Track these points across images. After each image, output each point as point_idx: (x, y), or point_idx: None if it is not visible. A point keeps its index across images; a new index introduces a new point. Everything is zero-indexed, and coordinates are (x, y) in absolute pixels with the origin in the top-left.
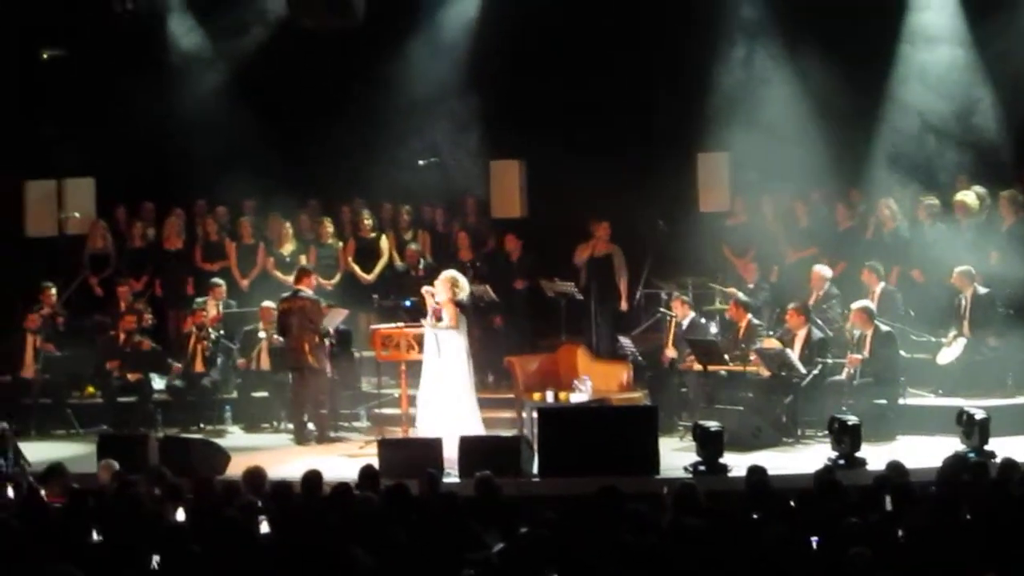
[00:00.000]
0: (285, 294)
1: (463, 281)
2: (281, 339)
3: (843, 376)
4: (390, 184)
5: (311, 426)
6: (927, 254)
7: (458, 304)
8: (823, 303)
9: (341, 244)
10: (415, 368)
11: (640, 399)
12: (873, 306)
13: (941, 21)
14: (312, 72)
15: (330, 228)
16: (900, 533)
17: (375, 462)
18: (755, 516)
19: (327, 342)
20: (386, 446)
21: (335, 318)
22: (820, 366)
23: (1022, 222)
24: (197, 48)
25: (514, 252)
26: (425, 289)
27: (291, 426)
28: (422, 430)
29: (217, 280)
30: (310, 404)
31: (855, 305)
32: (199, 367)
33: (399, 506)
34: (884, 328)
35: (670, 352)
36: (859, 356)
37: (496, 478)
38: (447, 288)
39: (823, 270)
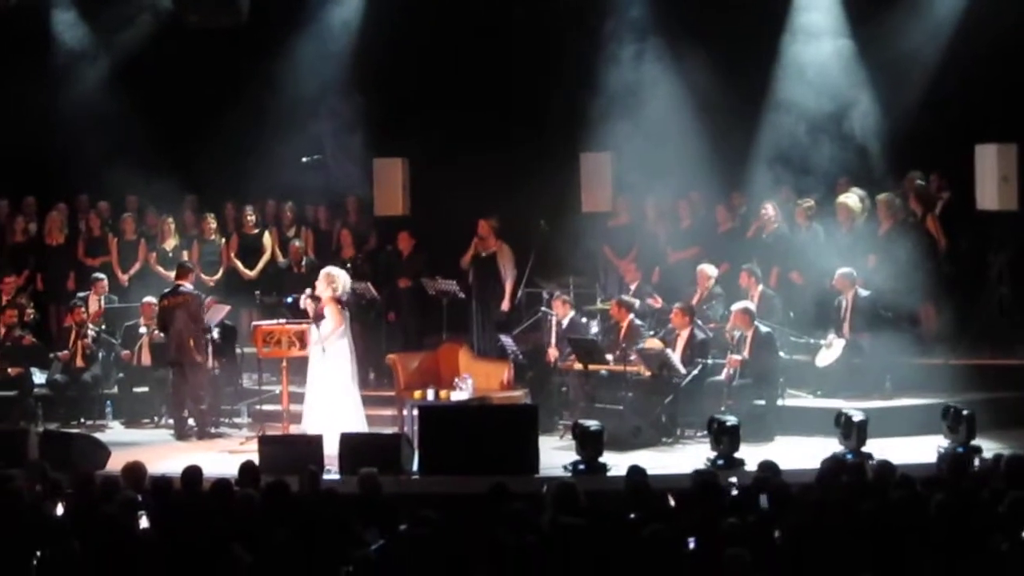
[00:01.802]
0: (165, 290)
1: (341, 275)
2: (162, 335)
3: (722, 377)
4: (273, 181)
5: (191, 422)
6: (805, 256)
7: (338, 301)
8: (705, 303)
9: (224, 240)
10: (296, 365)
11: (521, 398)
12: (754, 307)
13: (825, 22)
14: (196, 68)
15: (213, 224)
16: (777, 534)
17: (255, 458)
18: (633, 516)
19: (208, 337)
20: (266, 443)
21: (217, 314)
22: (700, 366)
23: (899, 226)
24: (81, 42)
25: (405, 250)
26: (304, 301)
27: (171, 421)
28: (308, 427)
29: (99, 275)
30: (190, 400)
31: (736, 306)
32: (80, 363)
33: (279, 503)
34: (764, 329)
35: (553, 352)
36: (739, 357)
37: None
38: (326, 285)
39: (708, 268)
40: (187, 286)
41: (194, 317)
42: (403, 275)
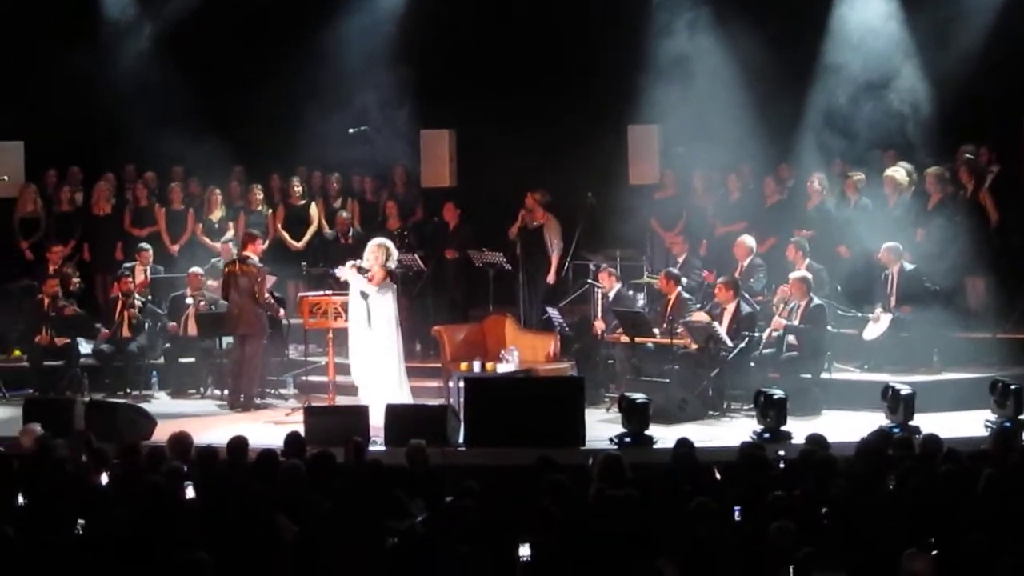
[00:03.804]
0: (225, 259)
1: (393, 249)
2: (210, 306)
3: (765, 338)
4: (320, 152)
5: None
6: (852, 230)
7: (389, 272)
8: (749, 275)
9: (270, 211)
10: (342, 336)
11: (567, 370)
12: (811, 278)
13: (875, 2)
14: (244, 38)
15: (260, 195)
16: (823, 508)
17: (301, 429)
18: (680, 488)
19: (265, 312)
20: (312, 413)
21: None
22: (747, 339)
23: (948, 200)
24: (129, 12)
25: (452, 222)
26: (347, 270)
27: (217, 392)
28: (364, 398)
29: (144, 245)
30: (245, 370)
31: (794, 275)
32: (126, 333)
33: (324, 473)
34: (817, 301)
35: (599, 324)
36: (783, 320)
37: None
38: (380, 255)
39: (747, 240)
40: (253, 256)
41: (256, 289)
42: (449, 246)
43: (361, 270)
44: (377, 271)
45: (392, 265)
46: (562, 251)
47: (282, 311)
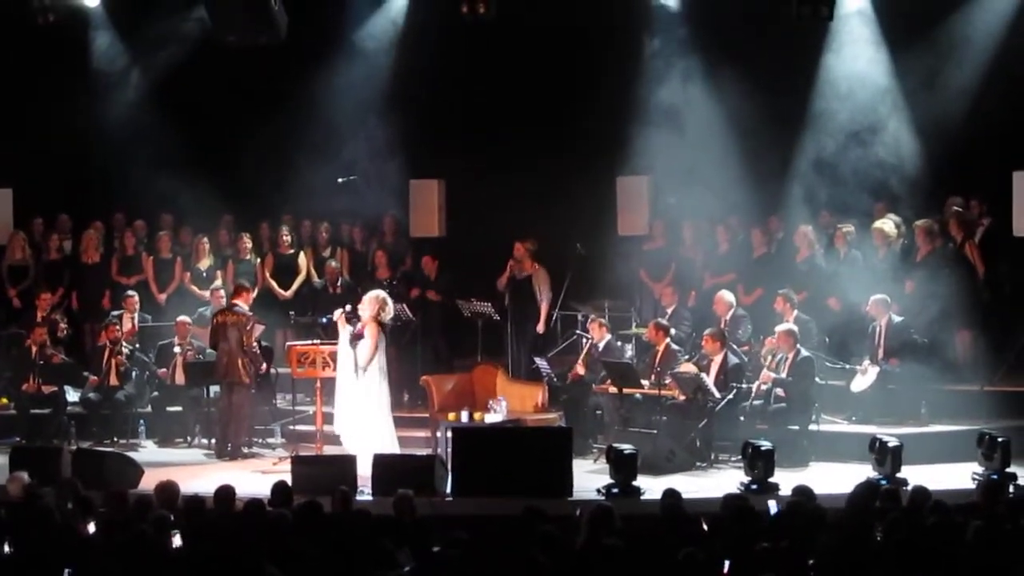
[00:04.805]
0: (214, 308)
1: (391, 303)
2: (198, 355)
3: (754, 391)
4: (309, 201)
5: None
6: (841, 282)
7: (380, 324)
8: (734, 328)
9: (259, 260)
10: (330, 385)
11: (555, 421)
12: (798, 330)
13: (865, 46)
14: (234, 88)
15: (249, 244)
16: (811, 560)
17: (288, 478)
18: (668, 539)
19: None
20: (300, 463)
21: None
22: (734, 391)
23: (937, 252)
24: (119, 61)
25: (431, 272)
26: (339, 316)
27: (205, 440)
28: (348, 447)
29: (130, 292)
30: (233, 419)
31: (781, 327)
32: (114, 381)
33: (311, 523)
34: (804, 353)
35: (580, 369)
36: (772, 374)
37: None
38: (374, 307)
39: (726, 295)
40: (242, 306)
41: (244, 338)
42: (431, 291)
43: (351, 319)
44: (368, 321)
45: (387, 317)
46: (551, 301)
47: (264, 365)
